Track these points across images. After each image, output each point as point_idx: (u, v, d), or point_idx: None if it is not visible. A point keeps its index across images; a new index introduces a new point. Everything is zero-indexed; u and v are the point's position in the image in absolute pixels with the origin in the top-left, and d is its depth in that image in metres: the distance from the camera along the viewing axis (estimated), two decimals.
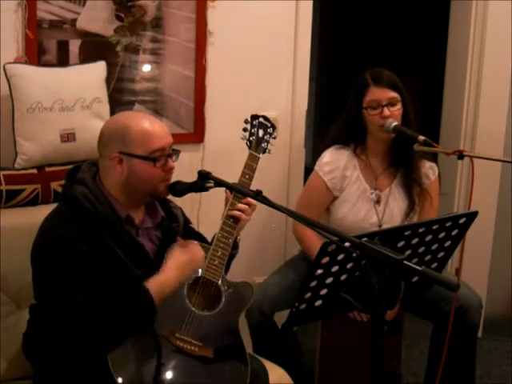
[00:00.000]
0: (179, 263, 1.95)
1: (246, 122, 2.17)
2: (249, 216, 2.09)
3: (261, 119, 2.18)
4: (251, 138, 2.15)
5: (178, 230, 2.09)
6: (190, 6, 2.78)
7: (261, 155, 2.14)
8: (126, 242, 1.92)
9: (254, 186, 1.89)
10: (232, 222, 2.06)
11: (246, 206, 2.07)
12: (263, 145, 2.16)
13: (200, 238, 2.16)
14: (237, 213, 2.06)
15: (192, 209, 2.82)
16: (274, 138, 2.19)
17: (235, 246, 2.14)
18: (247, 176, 2.09)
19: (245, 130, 2.16)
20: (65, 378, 1.89)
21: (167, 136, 1.97)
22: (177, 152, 1.99)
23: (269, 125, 2.19)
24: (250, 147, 2.14)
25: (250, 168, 2.10)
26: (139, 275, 1.93)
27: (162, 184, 1.97)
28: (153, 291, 1.87)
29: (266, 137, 2.17)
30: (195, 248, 2.02)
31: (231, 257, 2.12)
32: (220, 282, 2.03)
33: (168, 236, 2.06)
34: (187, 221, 2.19)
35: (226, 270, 2.12)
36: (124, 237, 1.93)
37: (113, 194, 1.96)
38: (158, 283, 1.90)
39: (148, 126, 1.94)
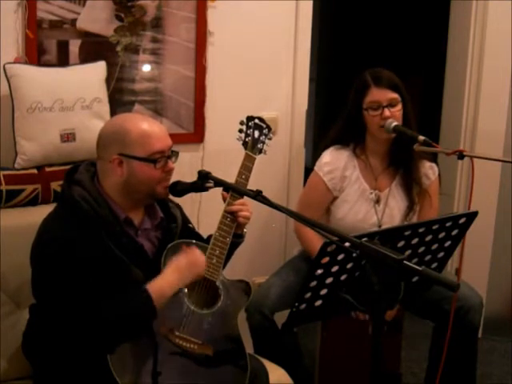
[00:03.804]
0: (179, 267, 1.94)
1: (241, 123, 2.19)
2: (249, 211, 2.10)
3: (256, 120, 2.21)
4: (247, 139, 2.17)
5: (177, 230, 2.10)
6: (190, 6, 2.78)
7: (257, 156, 2.17)
8: (125, 243, 1.93)
9: (254, 186, 1.89)
10: (229, 220, 2.07)
11: (243, 206, 2.08)
12: (259, 145, 2.19)
13: (198, 237, 2.17)
14: (235, 208, 2.07)
15: (192, 209, 2.82)
16: (270, 138, 2.23)
17: (240, 236, 2.15)
18: (243, 176, 2.11)
19: (240, 131, 2.18)
20: (64, 377, 1.89)
21: (166, 138, 1.97)
22: (176, 153, 2.00)
23: (264, 126, 2.22)
24: (245, 148, 2.16)
25: (246, 168, 2.13)
26: (139, 276, 1.93)
27: (162, 185, 1.97)
28: (152, 293, 1.86)
29: (261, 138, 2.20)
30: (196, 252, 2.00)
31: (235, 245, 2.14)
32: (218, 280, 2.04)
33: (167, 236, 2.07)
34: (186, 220, 2.20)
35: (228, 260, 2.13)
36: (123, 238, 1.93)
37: (111, 196, 1.96)
38: (157, 286, 1.89)
39: (147, 127, 1.94)
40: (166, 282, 1.91)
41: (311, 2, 3.06)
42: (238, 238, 2.14)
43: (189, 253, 1.99)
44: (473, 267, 3.24)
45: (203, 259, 2.00)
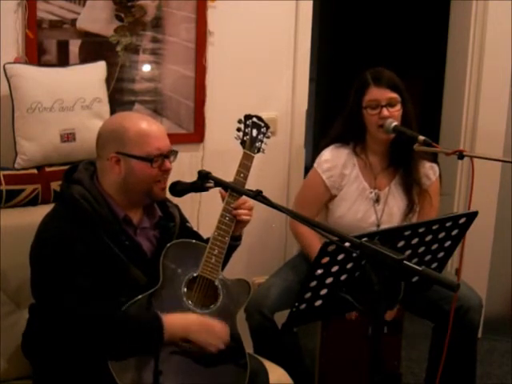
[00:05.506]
0: (202, 324, 1.92)
1: (239, 121, 2.19)
2: (251, 216, 2.11)
3: (254, 119, 2.21)
4: (245, 138, 2.17)
5: (175, 229, 2.10)
6: (190, 6, 2.78)
7: (255, 154, 2.17)
8: (124, 241, 1.93)
9: (254, 186, 1.89)
10: (228, 220, 2.06)
11: (248, 212, 2.09)
12: (257, 144, 2.18)
13: (196, 236, 2.18)
14: (246, 217, 2.08)
15: (192, 209, 2.82)
16: (268, 137, 2.22)
17: (238, 238, 2.15)
18: (242, 175, 2.11)
19: (238, 129, 2.18)
20: (64, 377, 1.89)
21: (164, 137, 1.98)
22: (174, 153, 2.00)
23: (262, 124, 2.22)
24: (244, 147, 2.16)
25: (244, 167, 2.13)
26: (137, 275, 1.93)
27: (159, 186, 1.97)
28: (165, 323, 1.85)
29: (259, 136, 2.20)
30: (224, 331, 1.96)
31: (233, 248, 2.14)
32: (217, 280, 2.04)
33: (166, 235, 2.07)
34: (184, 219, 2.20)
35: (226, 262, 2.12)
36: (122, 237, 1.93)
37: (111, 195, 1.97)
38: (172, 321, 1.87)
39: (145, 126, 1.95)
40: (182, 324, 1.90)
41: (311, 2, 3.06)
42: (235, 241, 2.14)
43: (219, 327, 1.95)
44: (473, 267, 3.25)
45: (223, 338, 1.94)
